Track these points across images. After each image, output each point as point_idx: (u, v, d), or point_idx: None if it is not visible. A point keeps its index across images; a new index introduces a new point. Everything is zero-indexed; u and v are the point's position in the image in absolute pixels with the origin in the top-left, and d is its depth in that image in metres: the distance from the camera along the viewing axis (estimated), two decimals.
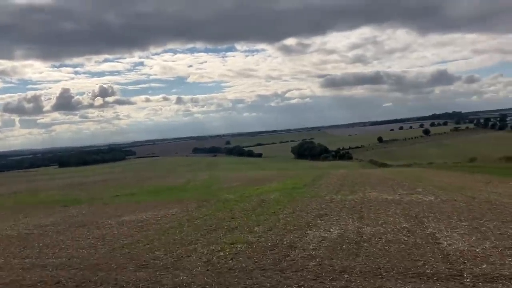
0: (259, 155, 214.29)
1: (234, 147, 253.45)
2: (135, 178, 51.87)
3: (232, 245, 9.58)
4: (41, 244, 11.22)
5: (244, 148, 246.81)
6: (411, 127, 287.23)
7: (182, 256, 8.88)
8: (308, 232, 10.76)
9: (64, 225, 14.71)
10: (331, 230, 10.87)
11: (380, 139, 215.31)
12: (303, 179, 35.03)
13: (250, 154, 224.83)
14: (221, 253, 8.90)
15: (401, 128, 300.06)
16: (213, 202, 19.16)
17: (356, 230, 10.79)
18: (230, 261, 8.25)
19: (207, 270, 7.74)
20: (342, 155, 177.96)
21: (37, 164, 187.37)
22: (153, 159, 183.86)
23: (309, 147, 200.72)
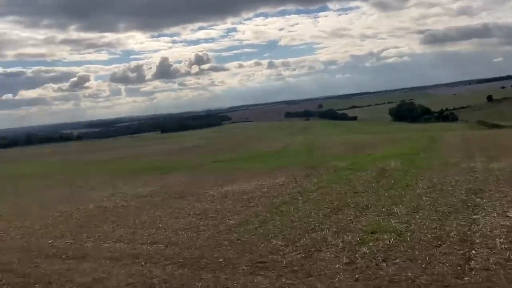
0: (354, 118, 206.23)
1: (327, 111, 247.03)
2: (232, 143, 51.04)
3: (373, 235, 7.01)
4: (136, 222, 9.64)
5: (338, 112, 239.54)
6: None
7: (309, 250, 6.53)
8: (475, 216, 7.78)
9: (163, 196, 13.25)
10: (510, 215, 7.77)
11: (489, 98, 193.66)
12: (415, 143, 31.01)
13: (344, 117, 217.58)
14: (365, 249, 6.38)
15: None
16: (323, 171, 16.64)
17: None
18: (384, 265, 5.69)
19: (356, 280, 5.28)
20: (446, 116, 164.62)
21: (142, 130, 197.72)
22: (247, 124, 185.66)
23: (409, 109, 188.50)
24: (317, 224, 8.03)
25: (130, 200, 12.71)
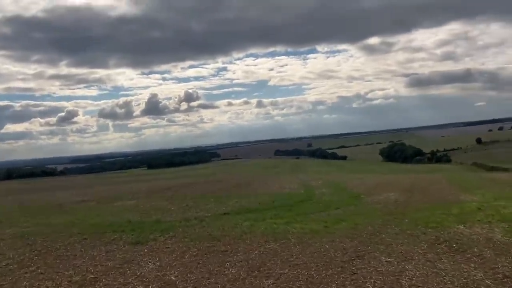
0: (344, 158, 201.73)
1: (316, 150, 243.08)
2: (231, 181, 40.86)
3: None
4: None
5: (327, 151, 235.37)
6: None
7: None
8: None
9: None
10: None
11: (478, 140, 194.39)
12: (492, 189, 22.35)
13: (334, 156, 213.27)
14: None
15: (500, 128, 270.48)
16: (462, 258, 7.59)
17: None
18: None
19: None
20: (439, 157, 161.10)
21: (128, 166, 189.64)
22: (238, 161, 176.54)
23: (400, 149, 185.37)
24: None
25: None
